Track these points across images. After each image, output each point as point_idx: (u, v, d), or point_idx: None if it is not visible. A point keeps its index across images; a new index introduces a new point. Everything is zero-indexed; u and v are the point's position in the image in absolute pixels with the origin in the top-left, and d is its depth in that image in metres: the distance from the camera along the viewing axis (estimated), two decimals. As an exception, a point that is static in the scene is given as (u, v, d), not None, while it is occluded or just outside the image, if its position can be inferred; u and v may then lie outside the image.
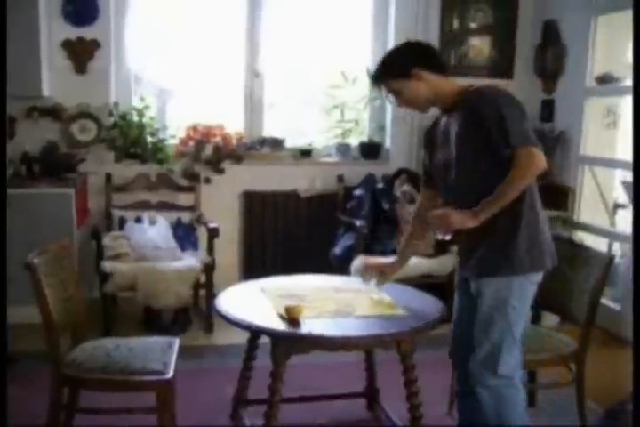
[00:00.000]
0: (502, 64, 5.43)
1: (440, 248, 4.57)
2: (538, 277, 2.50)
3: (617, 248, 4.89)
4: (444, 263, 4.53)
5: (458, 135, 2.46)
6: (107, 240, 4.28)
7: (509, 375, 2.46)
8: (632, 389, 2.39)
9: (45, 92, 4.51)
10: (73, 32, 4.64)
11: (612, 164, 4.89)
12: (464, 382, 2.61)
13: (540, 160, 2.30)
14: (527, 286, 2.46)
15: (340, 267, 4.46)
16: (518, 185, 2.32)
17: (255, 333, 2.77)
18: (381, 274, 2.86)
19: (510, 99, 2.40)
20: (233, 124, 5.08)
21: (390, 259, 2.93)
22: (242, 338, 2.99)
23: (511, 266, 2.41)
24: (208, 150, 4.90)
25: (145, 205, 4.71)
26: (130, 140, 4.74)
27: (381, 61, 2.62)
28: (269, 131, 5.21)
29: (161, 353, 2.73)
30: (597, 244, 4.49)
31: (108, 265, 4.09)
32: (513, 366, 2.47)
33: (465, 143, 2.44)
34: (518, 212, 2.41)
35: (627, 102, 4.88)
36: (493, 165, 2.37)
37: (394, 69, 2.56)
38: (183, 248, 4.44)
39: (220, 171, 4.94)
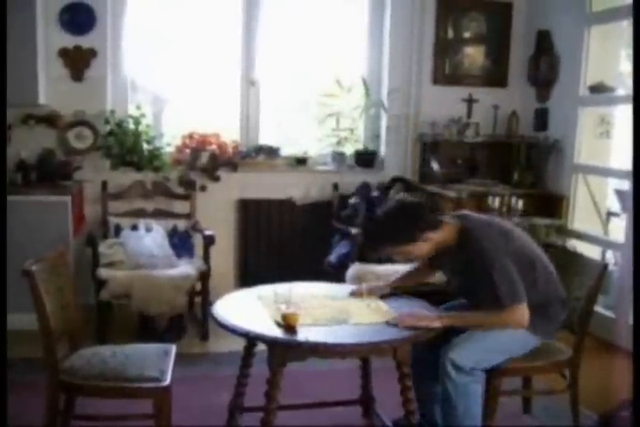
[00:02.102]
0: (496, 73, 5.47)
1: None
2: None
3: (610, 256, 4.92)
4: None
5: (457, 270, 2.82)
6: (102, 248, 4.29)
7: (476, 372, 2.68)
8: (632, 391, 2.40)
9: (42, 99, 4.52)
10: (70, 40, 4.66)
11: (605, 172, 4.93)
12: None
13: (522, 320, 2.65)
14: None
15: (336, 274, 4.47)
16: (490, 326, 2.68)
17: (252, 340, 2.78)
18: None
19: (500, 242, 2.67)
20: (229, 133, 5.10)
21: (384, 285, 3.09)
22: (237, 345, 3.00)
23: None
24: (204, 158, 4.92)
25: (141, 213, 4.72)
26: (126, 147, 4.75)
27: (380, 230, 2.74)
28: (265, 139, 5.23)
29: (157, 360, 2.74)
30: (591, 252, 4.52)
31: (103, 272, 4.10)
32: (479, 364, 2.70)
33: (464, 277, 2.81)
34: None
35: (620, 112, 4.93)
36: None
37: (398, 238, 2.68)
38: (179, 256, 4.45)
39: (216, 179, 4.96)
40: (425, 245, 2.71)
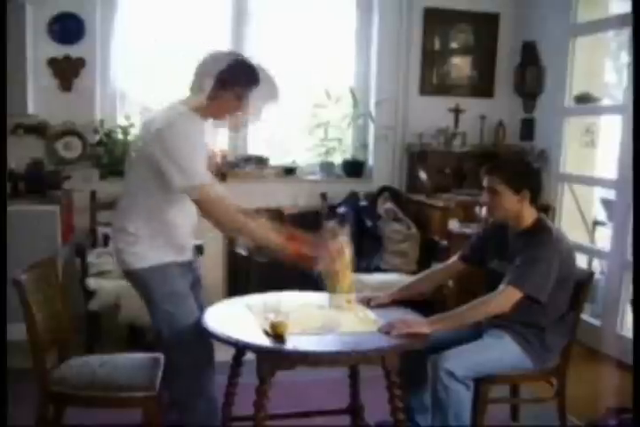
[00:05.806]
0: (483, 83, 5.52)
1: (424, 265, 4.60)
2: None
3: (596, 265, 4.96)
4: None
5: (507, 254, 2.85)
6: (91, 257, 4.28)
7: (467, 380, 2.71)
8: (633, 398, 2.42)
9: (31, 109, 4.53)
10: (59, 50, 4.67)
11: (590, 181, 4.97)
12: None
13: (506, 302, 2.68)
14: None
15: (325, 284, 4.47)
16: (478, 315, 2.73)
17: (241, 349, 2.78)
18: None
19: (563, 249, 2.81)
20: (217, 143, 5.10)
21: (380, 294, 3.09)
22: (225, 355, 2.99)
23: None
24: (192, 168, 4.91)
25: (129, 223, 4.71)
26: (115, 157, 4.75)
27: (508, 163, 2.92)
28: (253, 149, 5.25)
29: (147, 369, 2.74)
30: (577, 260, 4.54)
31: (92, 282, 4.09)
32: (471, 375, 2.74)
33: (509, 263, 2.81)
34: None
35: (605, 121, 4.98)
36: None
37: (511, 178, 2.77)
38: (168, 265, 4.44)
39: (205, 188, 4.95)
40: (515, 204, 2.78)
